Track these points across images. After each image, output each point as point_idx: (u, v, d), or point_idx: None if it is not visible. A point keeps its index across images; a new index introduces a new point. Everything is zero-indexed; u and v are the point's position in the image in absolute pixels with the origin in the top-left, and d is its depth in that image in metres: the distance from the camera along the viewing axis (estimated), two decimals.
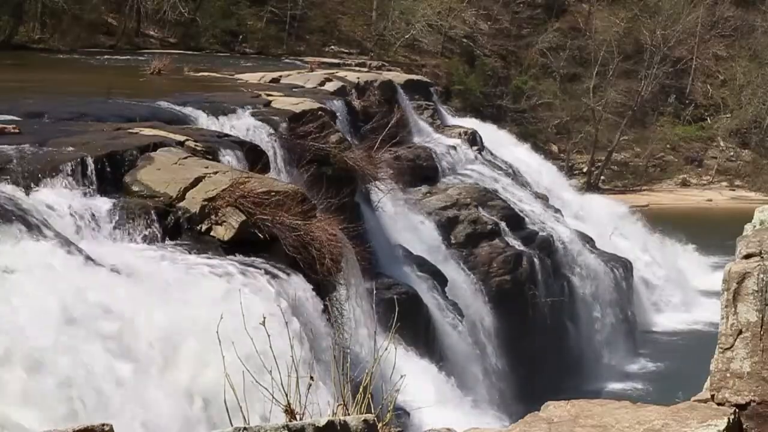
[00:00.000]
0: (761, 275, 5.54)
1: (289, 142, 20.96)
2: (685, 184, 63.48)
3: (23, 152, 14.60)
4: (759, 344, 5.55)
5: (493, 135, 42.76)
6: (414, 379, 10.35)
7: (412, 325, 22.46)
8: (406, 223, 29.17)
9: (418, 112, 37.77)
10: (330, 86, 30.13)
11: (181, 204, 14.72)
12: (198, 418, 10.95)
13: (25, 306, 10.98)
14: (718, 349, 5.68)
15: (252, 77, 30.83)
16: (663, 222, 45.70)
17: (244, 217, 14.52)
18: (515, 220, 33.64)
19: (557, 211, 38.01)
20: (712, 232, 43.04)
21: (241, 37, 50.83)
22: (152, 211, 14.39)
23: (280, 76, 31.31)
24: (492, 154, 39.75)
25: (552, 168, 48.18)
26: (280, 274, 14.12)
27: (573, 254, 35.13)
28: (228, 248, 14.35)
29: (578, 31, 66.40)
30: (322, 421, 5.02)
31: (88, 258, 12.64)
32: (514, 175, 39.25)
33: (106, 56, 39.34)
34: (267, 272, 13.89)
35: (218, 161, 16.73)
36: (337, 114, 25.97)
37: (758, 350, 5.56)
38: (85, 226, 13.76)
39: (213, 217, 14.63)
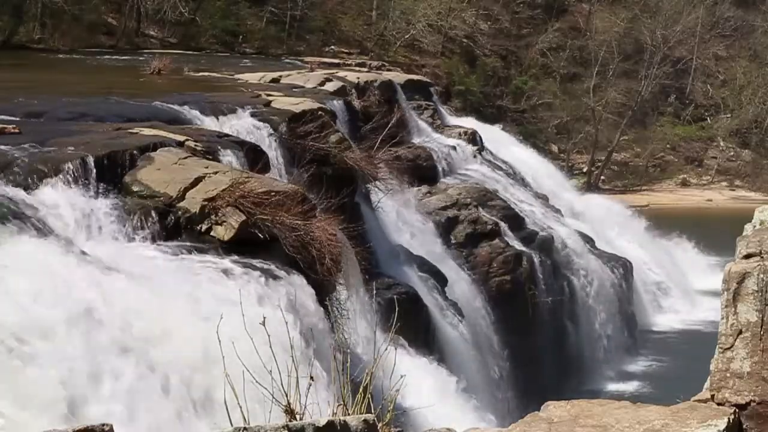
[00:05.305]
0: (761, 275, 5.54)
1: (289, 142, 20.93)
2: (685, 184, 63.47)
3: (23, 152, 14.59)
4: (759, 344, 5.55)
5: (493, 135, 42.74)
6: (414, 379, 10.34)
7: (412, 325, 22.44)
8: (405, 223, 29.14)
9: (418, 112, 37.73)
10: (330, 86, 30.09)
11: (181, 204, 14.71)
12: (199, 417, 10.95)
13: (26, 306, 10.97)
14: (718, 349, 5.68)
15: (252, 77, 30.80)
16: (663, 222, 45.68)
17: (244, 217, 14.51)
18: (515, 220, 33.61)
19: (557, 211, 38.00)
20: (712, 232, 43.01)
21: (241, 37, 50.81)
22: (152, 211, 14.39)
23: (280, 76, 31.28)
24: (492, 154, 39.74)
25: (552, 168, 48.16)
26: (280, 274, 14.11)
27: (573, 254, 35.11)
28: (228, 248, 14.33)
29: (578, 31, 66.38)
30: (322, 421, 5.01)
31: (88, 258, 12.64)
32: (514, 175, 39.25)
33: (106, 56, 39.32)
34: (267, 272, 13.89)
35: (218, 161, 16.72)
36: (337, 114, 25.94)
37: (758, 350, 5.56)
38: (85, 226, 13.75)
39: (213, 217, 14.62)
